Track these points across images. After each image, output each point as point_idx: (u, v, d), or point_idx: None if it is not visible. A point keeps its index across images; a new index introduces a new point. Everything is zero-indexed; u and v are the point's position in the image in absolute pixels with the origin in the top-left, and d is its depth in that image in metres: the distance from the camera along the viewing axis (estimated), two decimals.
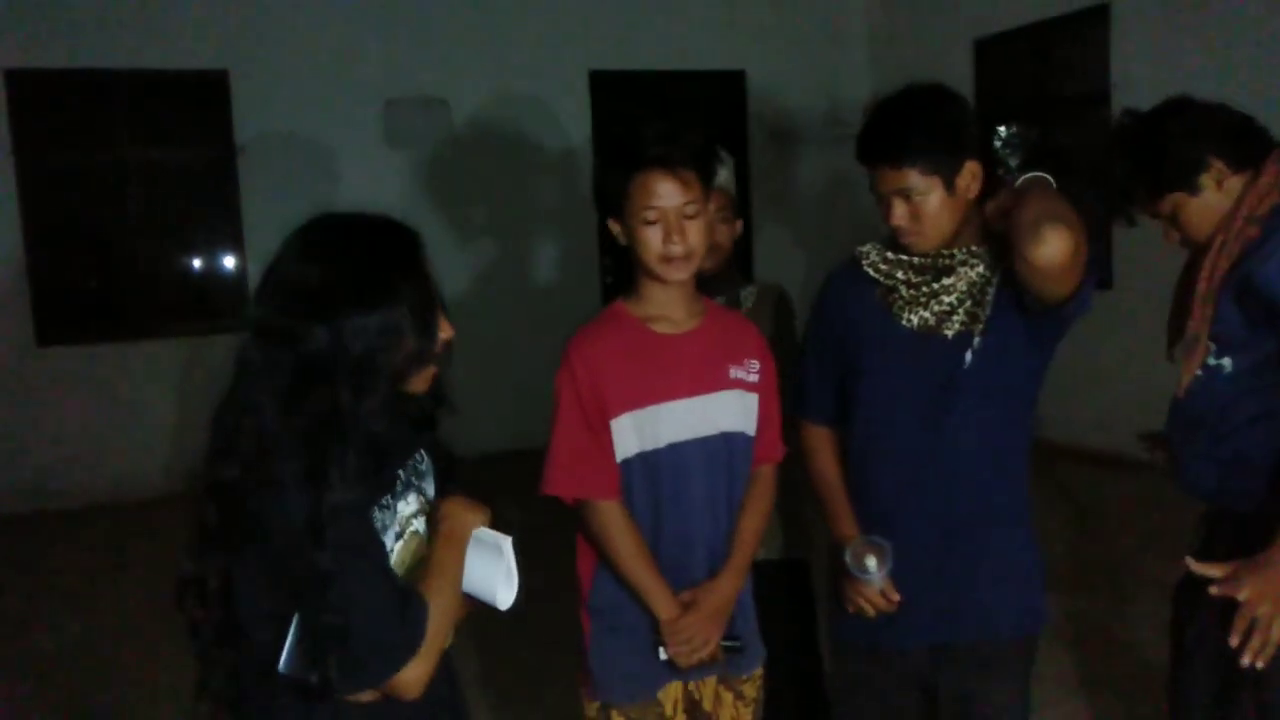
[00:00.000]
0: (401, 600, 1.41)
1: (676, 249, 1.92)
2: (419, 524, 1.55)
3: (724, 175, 2.46)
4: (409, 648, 1.40)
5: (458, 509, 1.56)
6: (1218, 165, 2.03)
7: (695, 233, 1.93)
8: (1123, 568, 4.62)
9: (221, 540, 1.40)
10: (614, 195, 1.94)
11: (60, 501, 6.29)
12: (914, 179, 1.88)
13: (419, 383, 1.51)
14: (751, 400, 2.05)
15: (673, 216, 1.91)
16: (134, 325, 6.66)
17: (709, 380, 2.00)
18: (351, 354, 1.37)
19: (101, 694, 3.90)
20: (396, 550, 1.50)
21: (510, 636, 3.68)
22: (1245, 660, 1.82)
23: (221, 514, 1.39)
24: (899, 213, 1.92)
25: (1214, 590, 1.85)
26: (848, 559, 1.99)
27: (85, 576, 5.26)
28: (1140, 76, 5.85)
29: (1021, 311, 1.92)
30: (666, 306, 2.01)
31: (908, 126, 1.89)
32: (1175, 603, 2.24)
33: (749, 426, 2.05)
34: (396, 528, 1.51)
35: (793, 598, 2.52)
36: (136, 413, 6.52)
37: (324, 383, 1.36)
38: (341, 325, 1.37)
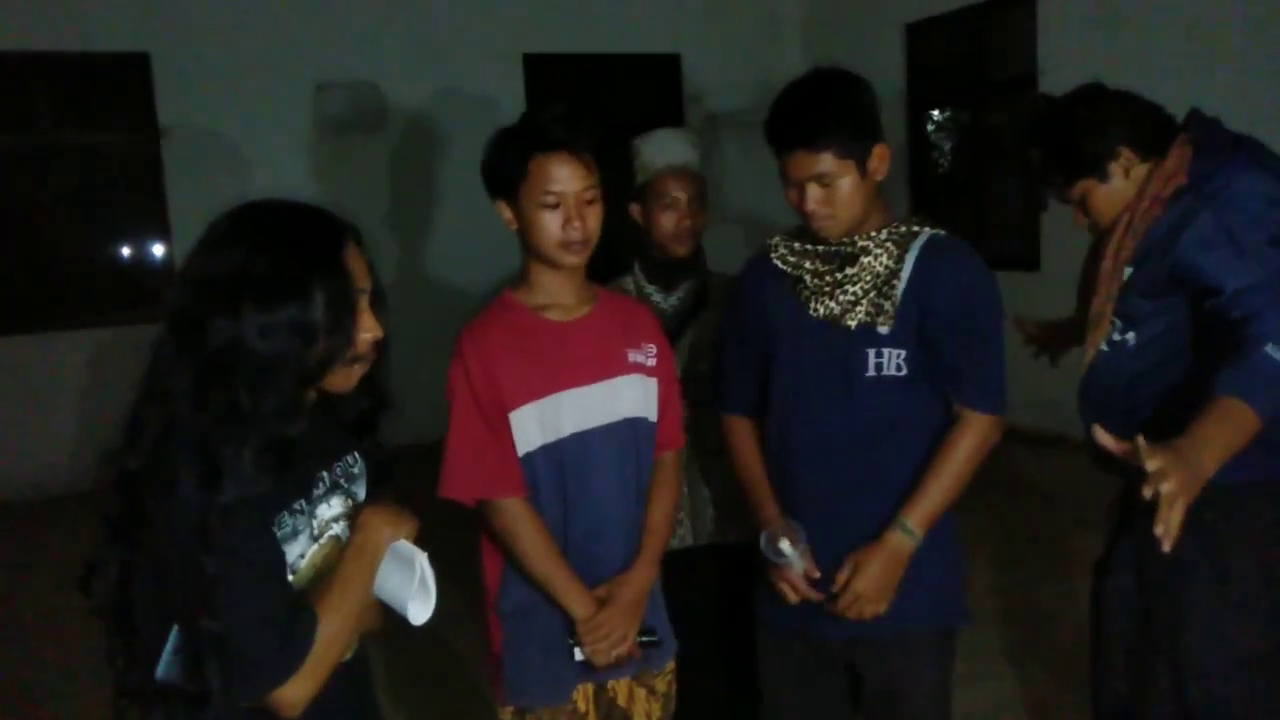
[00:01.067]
0: (288, 615, 1.35)
1: (576, 234, 1.87)
2: (340, 528, 1.49)
3: (698, 158, 2.43)
4: (286, 667, 1.34)
5: (374, 520, 1.47)
6: (1126, 154, 2.08)
7: (594, 218, 1.90)
8: (1051, 543, 4.71)
9: (121, 532, 1.35)
10: (509, 176, 1.89)
11: None
12: (829, 163, 1.88)
13: (340, 381, 1.44)
14: (651, 385, 2.02)
15: (573, 201, 1.86)
16: (56, 315, 6.46)
17: (608, 365, 1.96)
18: (254, 351, 1.31)
19: (22, 679, 3.82)
20: (310, 554, 1.44)
21: (419, 642, 3.64)
22: (1159, 533, 1.66)
23: (122, 506, 1.35)
24: (814, 197, 1.91)
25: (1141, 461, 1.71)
26: (763, 544, 2.00)
27: (8, 571, 5.11)
28: (1066, 60, 5.95)
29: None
30: (558, 294, 1.96)
31: (824, 110, 1.88)
32: (1095, 576, 2.30)
33: (651, 412, 2.02)
34: (313, 530, 1.45)
35: (726, 583, 2.51)
36: (57, 406, 6.33)
37: (223, 380, 1.31)
38: (245, 321, 1.31)
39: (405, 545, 1.49)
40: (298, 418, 1.37)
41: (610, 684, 2.03)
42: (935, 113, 7.54)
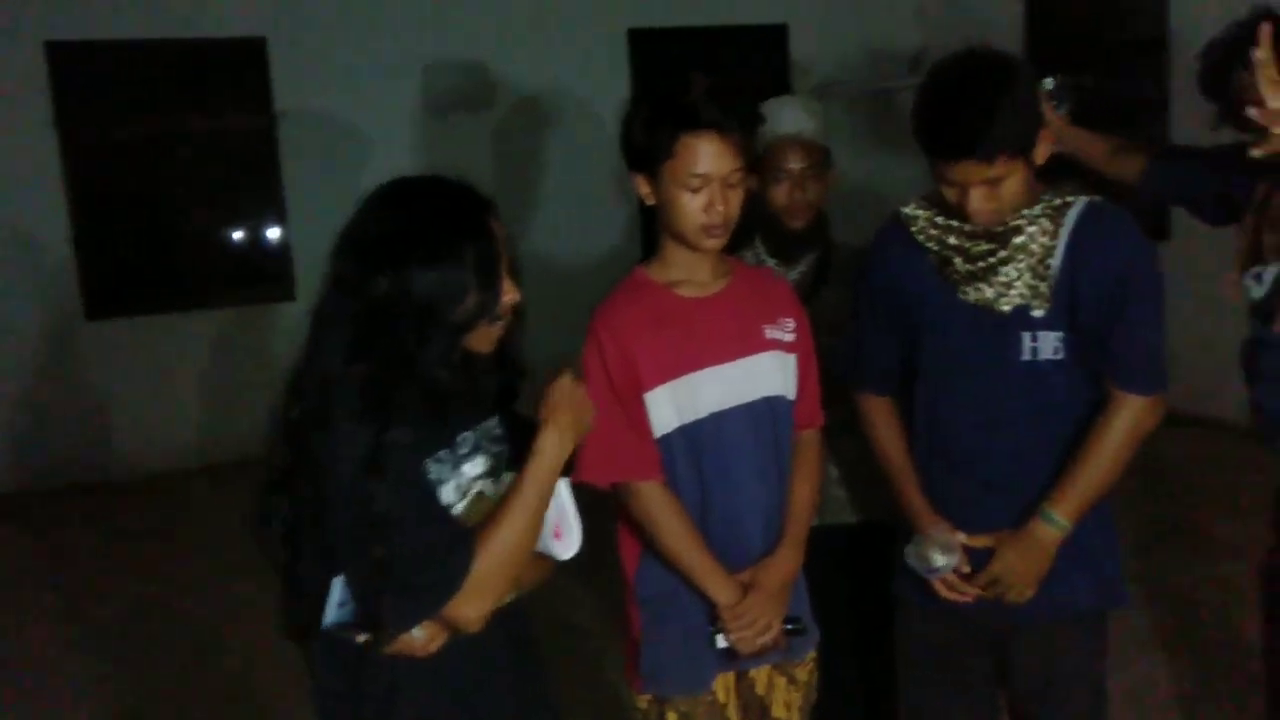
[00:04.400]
0: (449, 538, 1.44)
1: (718, 218, 1.80)
2: (485, 485, 1.55)
3: (814, 126, 2.33)
4: (447, 591, 1.43)
5: (553, 438, 1.55)
6: None
7: (736, 201, 1.83)
8: (1189, 529, 4.53)
9: (287, 481, 1.49)
10: (653, 153, 1.81)
11: (112, 473, 6.35)
12: (1001, 168, 1.75)
13: (481, 341, 1.54)
14: (790, 361, 1.95)
15: (718, 184, 1.79)
16: (180, 296, 6.67)
17: (746, 343, 1.90)
18: (414, 302, 1.43)
19: (176, 651, 4.02)
20: (459, 509, 1.51)
21: (552, 625, 3.65)
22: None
23: (287, 455, 1.48)
24: (979, 197, 1.78)
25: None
26: (910, 559, 1.91)
27: (141, 546, 5.32)
28: (1201, 20, 5.62)
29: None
30: (693, 270, 1.90)
31: (993, 118, 1.71)
32: (1265, 579, 2.13)
33: (790, 389, 1.95)
34: (459, 485, 1.52)
35: (856, 563, 2.43)
36: (182, 385, 6.57)
37: (387, 328, 1.43)
38: (405, 275, 1.43)
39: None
40: (451, 366, 1.48)
41: (750, 672, 1.98)
42: (1048, 80, 7.21)
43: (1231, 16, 1.74)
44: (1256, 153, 1.67)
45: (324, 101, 6.68)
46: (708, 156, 1.78)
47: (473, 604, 1.45)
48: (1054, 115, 2.09)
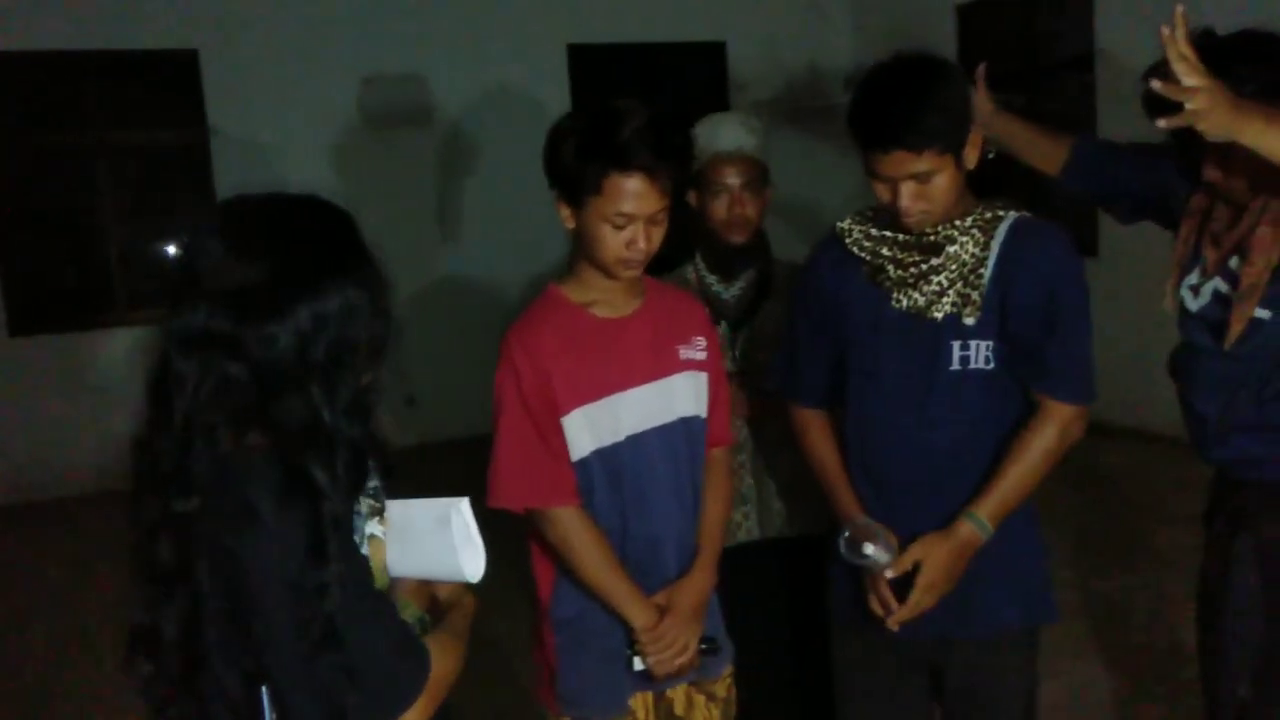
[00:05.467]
0: (407, 643, 1.29)
1: (638, 254, 1.79)
2: (373, 527, 1.40)
3: (754, 143, 2.33)
4: (417, 685, 1.28)
5: (469, 598, 1.49)
6: None
7: (658, 237, 1.81)
8: (1120, 536, 4.61)
9: (175, 585, 1.22)
10: (579, 186, 1.76)
11: (35, 493, 6.17)
12: (929, 161, 1.77)
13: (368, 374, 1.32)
14: (703, 380, 1.95)
15: (642, 222, 1.76)
16: (108, 313, 6.52)
17: (661, 364, 1.89)
18: (316, 351, 1.20)
19: (89, 678, 3.83)
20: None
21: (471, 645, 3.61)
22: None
23: (176, 555, 1.21)
24: (908, 194, 1.79)
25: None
26: (842, 549, 1.90)
27: (67, 569, 5.16)
28: (1124, 42, 5.78)
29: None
30: (608, 290, 1.88)
31: (922, 109, 1.75)
32: (1206, 573, 2.15)
33: (703, 409, 1.95)
34: (360, 536, 1.37)
35: (795, 577, 2.42)
36: (111, 402, 6.40)
37: (293, 388, 1.19)
38: (299, 320, 1.19)
39: (434, 502, 1.42)
40: (363, 412, 1.28)
41: (667, 692, 1.97)
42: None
43: (1151, 38, 1.78)
44: (1162, 123, 1.72)
45: (258, 116, 6.57)
46: (634, 197, 1.74)
47: (421, 712, 1.30)
48: (983, 97, 2.09)
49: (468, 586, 1.47)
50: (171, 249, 6.87)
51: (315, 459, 1.19)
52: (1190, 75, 1.65)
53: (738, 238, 2.33)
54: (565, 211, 1.83)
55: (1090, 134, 2.21)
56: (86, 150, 6.47)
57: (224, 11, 6.50)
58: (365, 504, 1.40)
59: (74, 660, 4.10)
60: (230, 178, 6.53)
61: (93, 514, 5.91)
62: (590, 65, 7.34)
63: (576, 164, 1.76)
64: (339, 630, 1.18)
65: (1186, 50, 1.68)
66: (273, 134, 6.57)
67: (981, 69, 2.11)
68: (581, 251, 1.86)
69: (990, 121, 2.07)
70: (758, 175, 2.34)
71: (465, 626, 1.46)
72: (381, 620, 1.27)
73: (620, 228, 1.77)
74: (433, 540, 1.42)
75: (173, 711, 1.28)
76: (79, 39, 6.25)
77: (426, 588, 1.48)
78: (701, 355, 1.95)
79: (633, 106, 1.77)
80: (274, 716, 1.22)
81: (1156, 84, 1.69)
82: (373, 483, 1.43)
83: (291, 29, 6.63)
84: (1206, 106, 1.65)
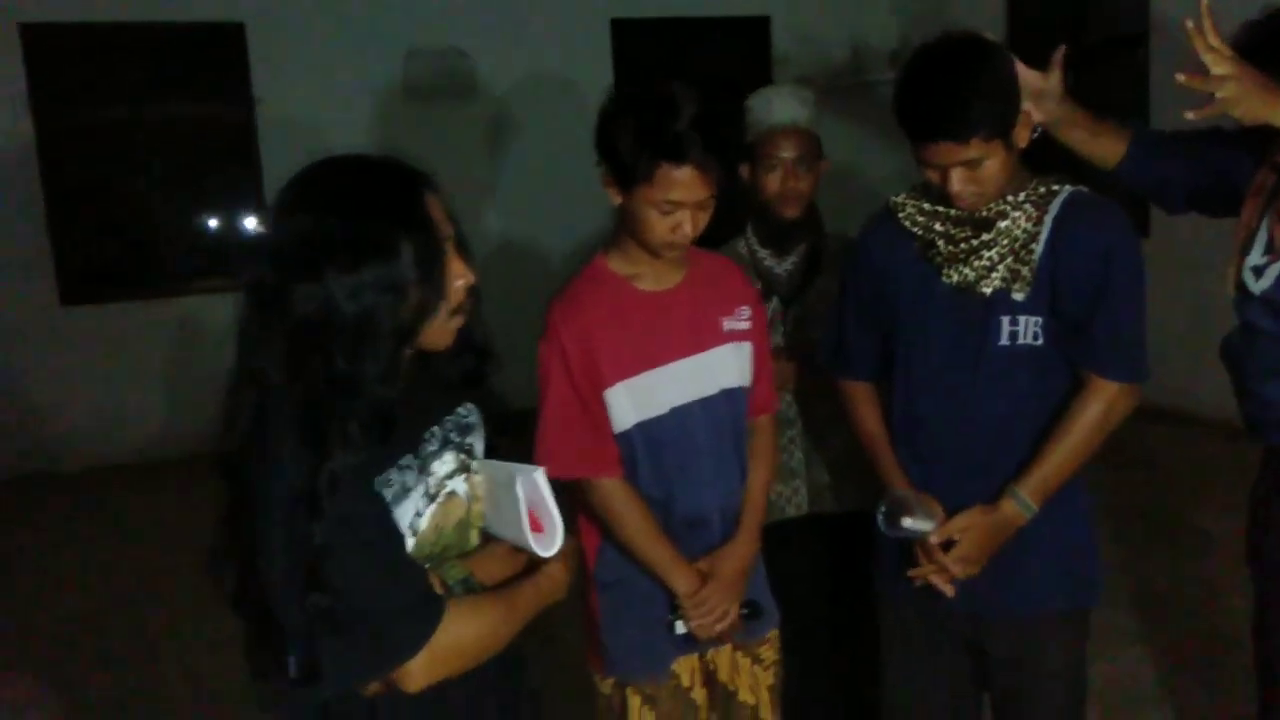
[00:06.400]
0: (414, 598, 1.31)
1: (682, 239, 1.82)
2: (456, 484, 1.44)
3: (807, 115, 2.32)
4: (411, 641, 1.29)
5: (561, 575, 1.49)
6: None
7: (704, 222, 1.83)
8: (1165, 521, 4.56)
9: (234, 520, 1.32)
10: (630, 171, 1.78)
11: (84, 461, 6.30)
12: (977, 149, 1.74)
13: (438, 338, 1.37)
14: (746, 350, 1.97)
15: (689, 209, 1.79)
16: (156, 283, 6.62)
17: (704, 337, 1.91)
18: (345, 315, 1.25)
19: (133, 651, 3.91)
20: (429, 513, 1.40)
21: None
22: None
23: (230, 492, 1.32)
24: (959, 178, 1.78)
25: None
26: (880, 519, 1.90)
27: (112, 537, 5.26)
28: (1180, 17, 5.64)
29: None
30: (653, 264, 1.90)
31: (969, 98, 1.72)
32: (1256, 557, 2.12)
33: (746, 379, 1.97)
34: (428, 488, 1.41)
35: (842, 552, 2.42)
36: (159, 371, 6.51)
37: (318, 348, 1.25)
38: (331, 284, 1.24)
39: (515, 466, 1.44)
40: (397, 380, 1.32)
41: (710, 655, 2.01)
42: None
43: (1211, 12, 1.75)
44: (1191, 115, 1.71)
45: (303, 88, 6.61)
46: (683, 187, 1.77)
47: (423, 673, 1.31)
48: (1057, 80, 2.01)
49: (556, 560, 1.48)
50: (214, 221, 6.96)
51: (331, 415, 1.25)
52: (1218, 64, 1.65)
53: (791, 211, 2.32)
54: (613, 191, 1.85)
55: (1141, 123, 2.15)
56: (134, 123, 6.54)
57: None
58: (453, 459, 1.44)
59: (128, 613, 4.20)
60: (275, 150, 6.59)
61: (141, 482, 6.04)
62: (633, 40, 7.31)
63: (629, 151, 1.78)
64: (323, 576, 1.23)
65: (1214, 41, 1.66)
66: (317, 107, 6.60)
67: (1060, 54, 2.05)
68: (626, 227, 1.88)
69: (1057, 110, 2.02)
70: (811, 148, 2.33)
71: (531, 597, 1.45)
72: (385, 576, 1.30)
73: (667, 214, 1.79)
74: (505, 504, 1.43)
75: (248, 626, 1.37)
76: (128, 11, 6.32)
77: (519, 554, 1.49)
78: (745, 325, 1.97)
79: (687, 94, 1.79)
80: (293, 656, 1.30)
81: (1181, 77, 1.68)
82: (469, 439, 1.47)
83: (335, 3, 6.66)
84: (1236, 95, 1.64)
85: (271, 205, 1.34)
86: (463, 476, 1.46)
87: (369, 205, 1.29)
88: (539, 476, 1.42)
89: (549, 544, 1.43)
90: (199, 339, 6.39)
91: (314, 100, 6.61)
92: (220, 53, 6.59)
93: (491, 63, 7.05)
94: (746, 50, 7.67)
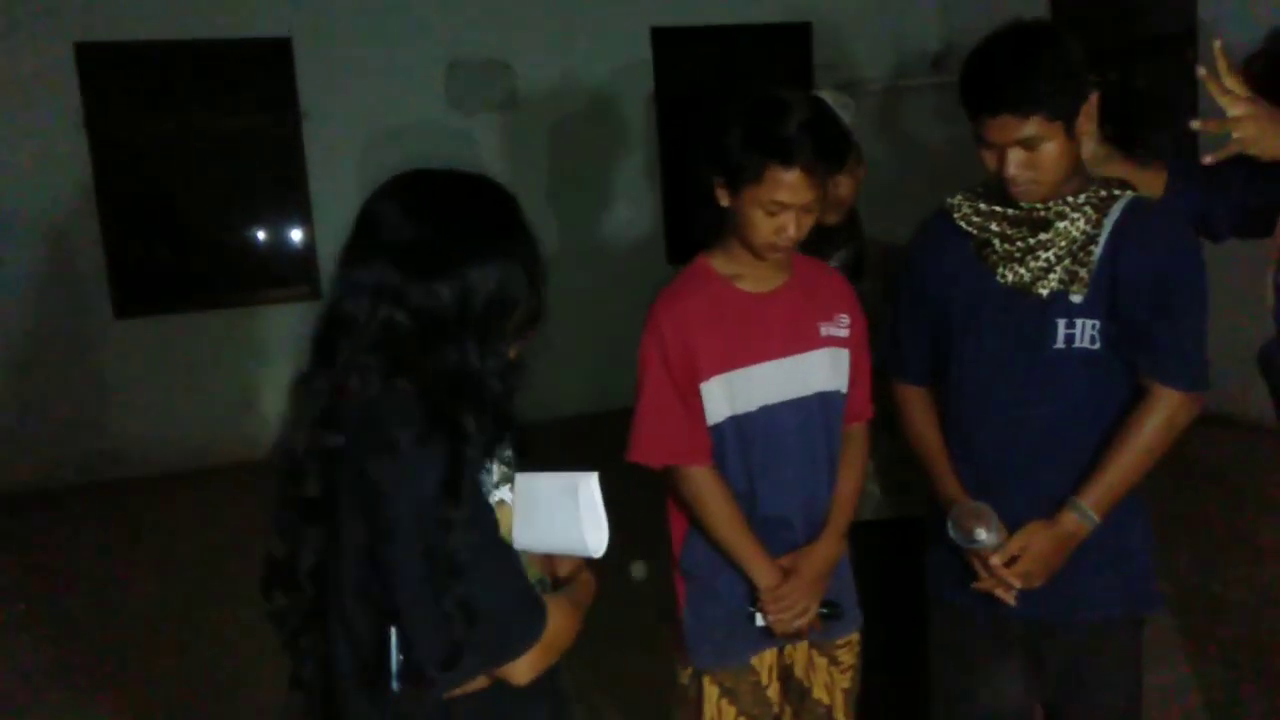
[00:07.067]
0: (527, 598, 1.37)
1: (787, 241, 1.87)
2: (503, 493, 1.48)
3: (847, 120, 2.32)
4: (535, 630, 1.35)
5: (593, 579, 1.56)
6: None
7: (808, 225, 1.88)
8: (1221, 528, 4.49)
9: (321, 514, 1.33)
10: (739, 171, 1.85)
11: (138, 470, 6.41)
12: (1038, 126, 1.74)
13: (518, 347, 1.43)
14: (843, 357, 2.00)
15: (795, 211, 1.84)
16: (207, 295, 6.74)
17: (801, 340, 1.96)
18: (475, 311, 1.32)
19: (188, 657, 3.97)
20: None
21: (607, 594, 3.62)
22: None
23: (325, 485, 1.33)
24: (1015, 161, 1.77)
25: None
26: (951, 531, 1.88)
27: (166, 545, 5.35)
28: (1229, 16, 5.57)
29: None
30: (756, 266, 1.96)
31: (1032, 70, 1.73)
32: None
33: (843, 384, 2.01)
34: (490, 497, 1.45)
35: (891, 559, 2.41)
36: (212, 382, 6.62)
37: (448, 341, 1.32)
38: (464, 282, 1.31)
39: (564, 475, 1.48)
40: (510, 379, 1.39)
41: (788, 651, 2.04)
42: None
43: (1256, 8, 1.76)
44: (1209, 160, 1.72)
45: (349, 101, 6.71)
46: (790, 189, 1.82)
47: (531, 666, 1.37)
48: (1091, 119, 1.92)
49: (588, 564, 1.54)
50: (263, 233, 7.06)
51: (460, 405, 1.30)
52: (1234, 106, 1.65)
53: (831, 217, 2.32)
54: (723, 193, 1.91)
55: (1177, 160, 2.13)
56: (185, 136, 6.67)
57: (315, 1, 6.65)
58: (498, 470, 1.48)
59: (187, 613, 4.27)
60: (321, 161, 6.69)
61: (190, 490, 6.14)
62: (674, 48, 7.33)
63: (740, 152, 1.84)
64: (462, 566, 1.26)
65: (1230, 83, 1.69)
66: (362, 119, 6.70)
67: (1094, 97, 2.01)
68: (731, 229, 1.94)
69: (1095, 150, 2.00)
70: (851, 154, 2.33)
71: (586, 597, 1.52)
72: (506, 569, 1.35)
73: (773, 214, 1.84)
74: (559, 512, 1.47)
75: (304, 642, 1.39)
76: (178, 29, 6.45)
77: (548, 563, 1.54)
78: (844, 333, 2.01)
79: (798, 98, 1.87)
80: (400, 658, 1.30)
81: (1196, 123, 1.69)
82: (507, 451, 1.51)
83: (380, 15, 6.75)
84: (1254, 134, 1.65)
85: (369, 212, 1.37)
86: (508, 486, 1.50)
87: (490, 213, 1.38)
88: (593, 480, 1.47)
89: (598, 545, 1.48)
90: (249, 350, 6.51)
91: (359, 113, 6.70)
92: (268, 68, 6.70)
93: (533, 74, 7.10)
94: (787, 57, 7.66)
